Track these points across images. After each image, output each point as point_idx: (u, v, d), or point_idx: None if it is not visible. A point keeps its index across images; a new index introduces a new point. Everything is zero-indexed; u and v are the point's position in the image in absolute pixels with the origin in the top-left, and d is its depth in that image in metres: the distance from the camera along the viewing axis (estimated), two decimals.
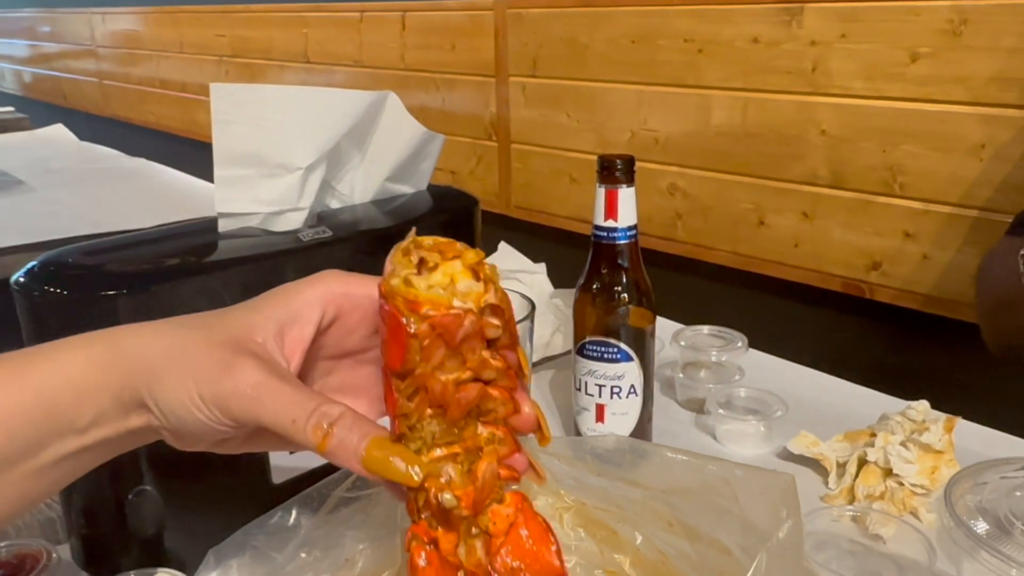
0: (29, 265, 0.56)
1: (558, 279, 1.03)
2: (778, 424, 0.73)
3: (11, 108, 3.22)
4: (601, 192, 0.65)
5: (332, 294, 0.40)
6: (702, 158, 1.49)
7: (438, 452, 0.38)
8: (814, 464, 0.70)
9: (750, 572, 0.35)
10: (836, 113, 1.30)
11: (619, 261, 0.67)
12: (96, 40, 3.61)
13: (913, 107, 1.22)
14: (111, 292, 0.54)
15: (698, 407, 0.81)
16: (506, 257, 0.96)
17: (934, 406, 0.73)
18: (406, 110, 0.69)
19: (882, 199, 1.28)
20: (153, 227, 0.65)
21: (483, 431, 0.38)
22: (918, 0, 1.19)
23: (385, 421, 0.40)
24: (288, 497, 0.48)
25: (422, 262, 0.36)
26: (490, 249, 0.99)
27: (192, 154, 2.84)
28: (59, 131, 2.57)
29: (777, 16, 1.34)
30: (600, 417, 0.69)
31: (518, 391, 0.39)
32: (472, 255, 0.36)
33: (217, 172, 0.60)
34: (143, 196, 1.82)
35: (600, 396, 0.69)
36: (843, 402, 0.79)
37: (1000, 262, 0.87)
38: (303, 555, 0.45)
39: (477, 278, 0.36)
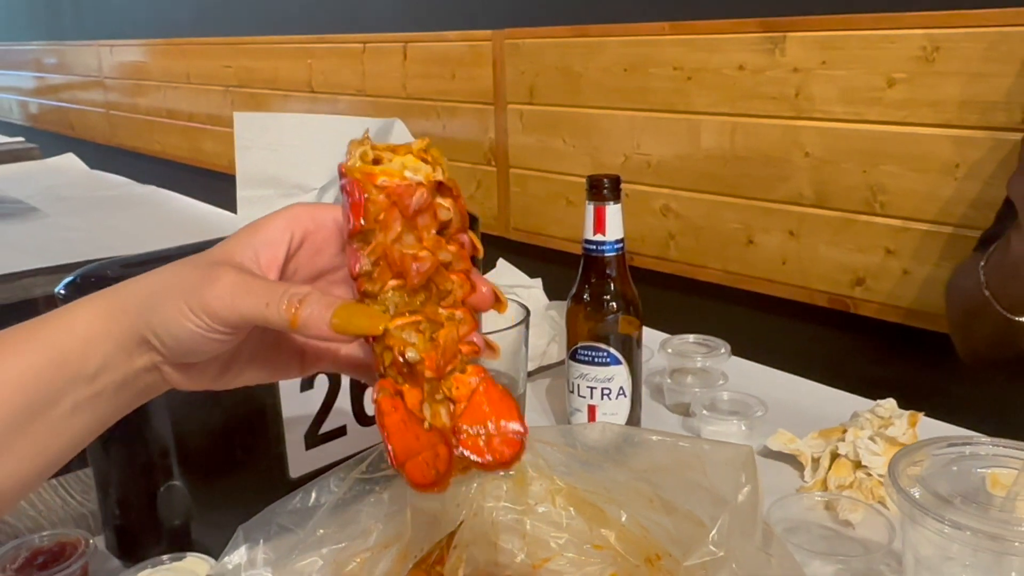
0: (71, 277, 0.62)
1: (555, 294, 1.08)
2: (758, 424, 0.79)
3: (21, 138, 3.29)
4: (590, 209, 0.71)
5: (298, 219, 0.45)
6: (693, 180, 1.55)
7: (400, 322, 0.41)
8: (791, 459, 0.75)
9: (713, 532, 0.41)
10: (819, 136, 1.36)
11: (608, 272, 0.72)
12: (104, 71, 3.70)
13: (891, 129, 1.28)
14: None
15: (685, 410, 0.86)
16: (504, 273, 1.02)
17: (907, 408, 0.79)
18: (411, 135, 0.75)
19: (864, 217, 1.34)
20: (179, 246, 0.71)
21: (444, 312, 0.42)
22: (893, 29, 1.25)
23: None
24: None
25: (376, 160, 0.41)
26: (489, 266, 1.05)
27: (199, 181, 2.91)
28: (69, 160, 2.65)
29: (761, 45, 1.40)
30: (592, 417, 0.75)
31: (473, 272, 0.43)
32: (420, 143, 0.41)
33: (240, 192, 0.66)
34: (154, 222, 1.88)
35: (591, 398, 0.74)
36: (818, 403, 0.85)
37: (966, 275, 0.92)
38: (321, 531, 0.50)
39: (426, 163, 0.41)
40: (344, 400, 0.70)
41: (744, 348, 1.03)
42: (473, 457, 0.42)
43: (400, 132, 0.74)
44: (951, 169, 1.23)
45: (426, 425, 0.42)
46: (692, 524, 0.47)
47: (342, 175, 0.41)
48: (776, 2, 1.39)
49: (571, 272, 0.83)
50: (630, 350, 0.74)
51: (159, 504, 0.64)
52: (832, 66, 1.33)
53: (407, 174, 0.40)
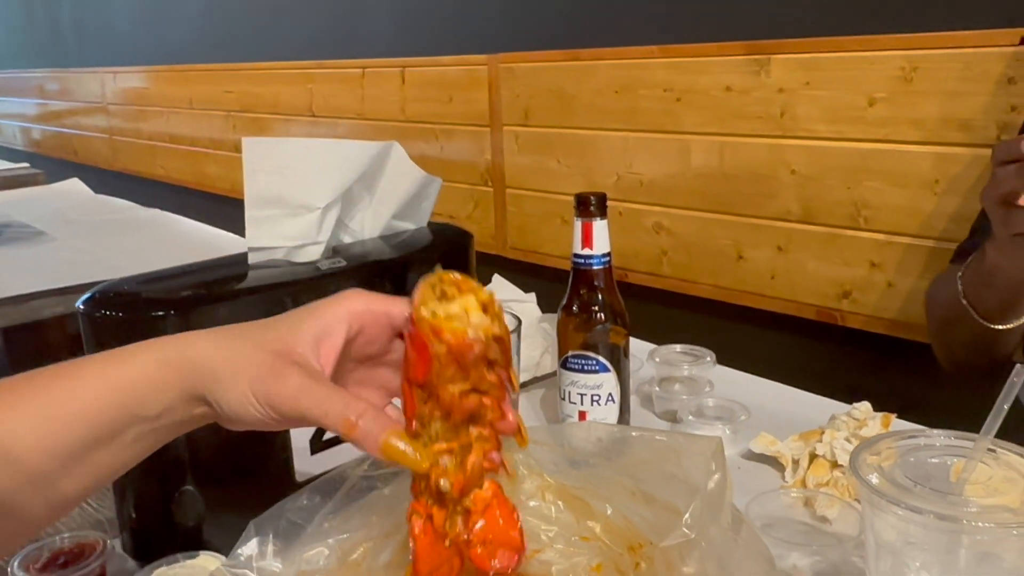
0: (90, 293, 0.66)
1: (550, 308, 1.12)
2: (742, 428, 0.83)
3: (26, 164, 3.35)
4: (578, 224, 0.76)
5: (356, 312, 0.50)
6: (683, 198, 1.60)
7: (439, 446, 0.48)
8: (773, 461, 0.79)
9: (686, 516, 0.44)
10: (804, 154, 1.41)
11: (596, 284, 0.76)
12: (107, 98, 3.76)
13: (873, 147, 1.33)
14: (160, 313, 0.63)
15: (673, 417, 0.90)
16: (500, 288, 1.06)
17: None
18: (408, 157, 0.79)
19: (849, 232, 1.38)
20: (189, 264, 0.75)
21: (474, 431, 0.48)
22: (873, 51, 1.30)
23: (395, 403, 0.49)
24: None
25: (443, 294, 0.46)
26: (484, 281, 1.09)
27: (202, 205, 2.96)
28: (74, 185, 2.69)
29: (747, 66, 1.45)
30: None
31: (505, 401, 0.49)
32: (485, 295, 0.46)
33: (248, 212, 0.70)
34: (160, 244, 1.93)
35: (582, 404, 0.78)
36: (800, 408, 0.88)
37: (944, 285, 0.96)
38: (327, 524, 0.53)
39: (486, 312, 0.46)
40: None
41: (736, 360, 1.06)
42: (481, 570, 0.49)
43: (398, 155, 0.78)
44: (931, 184, 1.27)
45: (447, 543, 0.49)
46: (670, 513, 0.51)
47: (412, 323, 0.46)
48: (761, 25, 1.44)
49: (565, 287, 0.87)
50: (617, 358, 0.77)
51: (173, 508, 0.68)
52: (815, 86, 1.38)
53: (469, 333, 0.45)
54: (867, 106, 1.32)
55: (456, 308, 0.45)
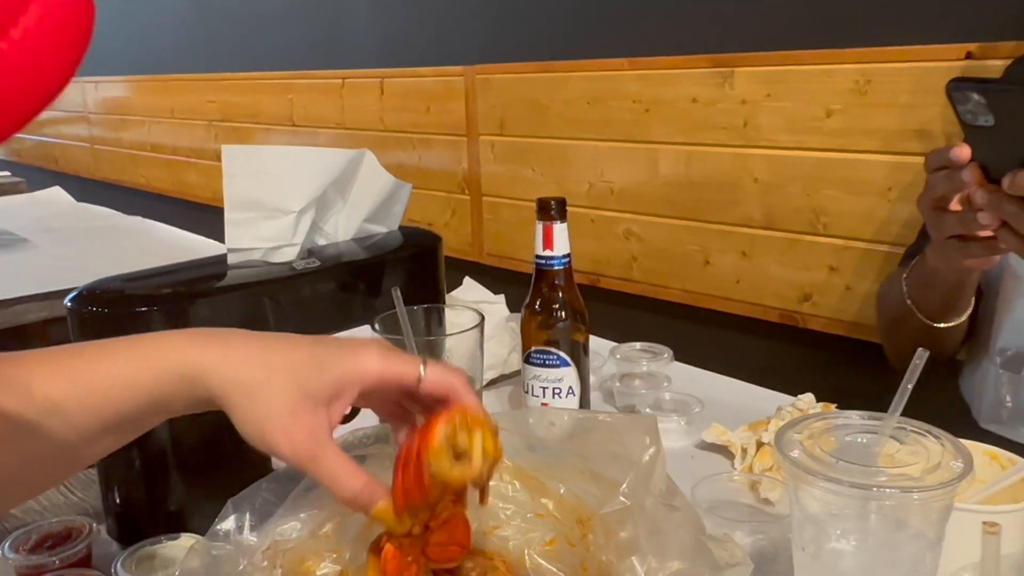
0: (77, 291, 0.70)
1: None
2: (696, 420, 0.88)
3: (7, 172, 3.36)
4: (539, 227, 0.80)
5: (371, 378, 0.53)
6: (653, 205, 1.65)
7: (421, 516, 0.53)
8: (724, 450, 0.84)
9: (623, 486, 0.49)
10: (766, 163, 1.47)
11: (556, 283, 0.81)
12: (88, 107, 3.78)
13: (830, 156, 1.39)
14: (144, 309, 0.68)
15: (632, 410, 0.95)
16: (470, 290, 1.10)
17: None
18: (379, 164, 0.84)
19: (808, 238, 1.44)
20: (174, 263, 0.79)
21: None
22: (830, 64, 1.36)
23: None
24: None
25: (455, 452, 0.51)
26: (456, 283, 1.14)
27: (183, 213, 2.99)
28: (56, 193, 2.71)
29: (712, 79, 1.51)
30: None
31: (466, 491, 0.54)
32: (493, 427, 0.52)
33: (227, 215, 0.75)
34: (141, 250, 1.96)
35: (544, 397, 0.83)
36: (751, 401, 0.93)
37: (892, 286, 1.02)
38: (300, 500, 0.58)
39: (488, 453, 0.52)
40: None
41: (704, 362, 1.11)
42: (433, 564, 0.55)
43: (369, 162, 0.83)
44: (885, 192, 1.33)
45: (409, 559, 0.54)
46: (613, 487, 0.56)
47: (423, 459, 0.51)
48: (725, 39, 1.50)
49: None
50: (578, 353, 0.82)
51: (157, 495, 0.72)
52: (776, 98, 1.43)
53: (471, 476, 0.51)
54: (825, 117, 1.38)
55: (464, 466, 0.51)
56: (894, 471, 0.50)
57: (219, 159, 0.77)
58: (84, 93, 3.77)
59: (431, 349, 0.73)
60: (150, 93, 3.30)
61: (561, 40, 1.79)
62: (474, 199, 2.03)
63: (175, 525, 0.72)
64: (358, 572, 0.59)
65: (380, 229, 0.87)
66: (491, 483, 0.62)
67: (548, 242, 0.80)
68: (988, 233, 0.72)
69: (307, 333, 0.55)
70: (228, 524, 0.57)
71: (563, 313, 0.81)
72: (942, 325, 0.92)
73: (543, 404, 0.83)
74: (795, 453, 0.52)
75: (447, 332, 0.75)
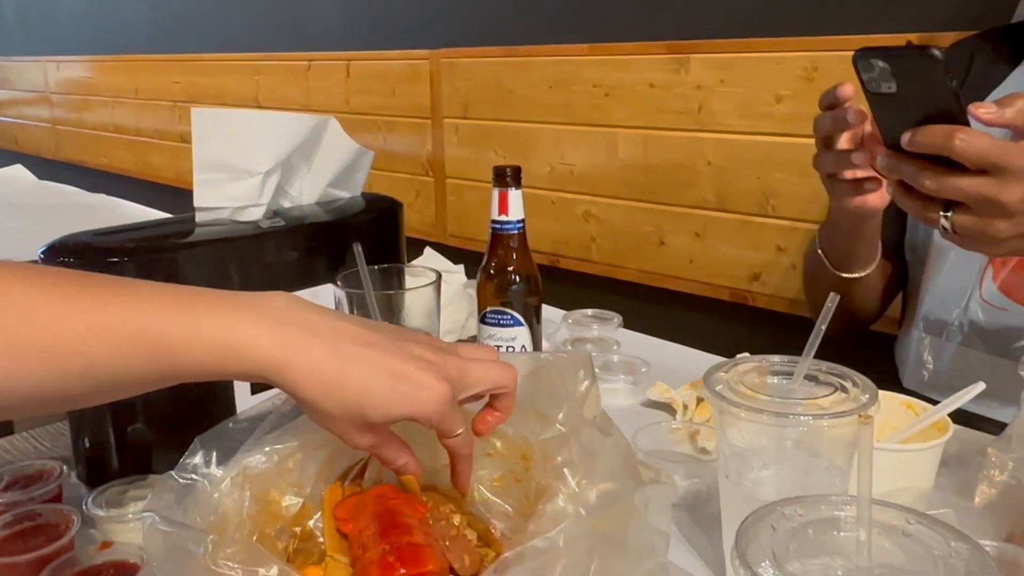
0: (48, 244, 0.73)
1: None
2: (642, 379, 0.93)
3: None
4: (496, 194, 0.85)
5: (420, 421, 0.53)
6: (611, 187, 1.70)
7: None
8: (667, 407, 0.89)
9: (560, 414, 0.54)
10: (719, 147, 1.52)
11: (511, 245, 0.86)
12: (50, 87, 3.75)
13: (780, 140, 1.45)
14: (115, 260, 0.71)
15: None
16: (430, 260, 1.14)
17: None
18: (343, 131, 0.87)
19: (758, 219, 1.50)
20: (143, 221, 0.82)
21: None
22: (780, 52, 1.42)
23: None
24: None
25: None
26: (416, 254, 1.18)
27: (146, 195, 2.98)
28: (18, 171, 2.71)
29: (668, 65, 1.56)
30: None
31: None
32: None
33: (196, 176, 0.78)
34: (107, 225, 1.97)
35: None
36: (694, 364, 0.98)
37: (811, 244, 1.06)
38: (264, 436, 0.62)
39: None
40: None
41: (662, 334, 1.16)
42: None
43: (334, 128, 0.86)
44: None
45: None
46: (553, 420, 0.60)
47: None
48: (681, 27, 1.56)
49: None
50: (530, 314, 0.87)
51: (126, 443, 0.75)
52: (729, 84, 1.49)
53: None
54: (775, 103, 1.44)
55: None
56: (807, 402, 0.55)
57: (183, 140, 0.80)
58: (46, 73, 3.74)
59: (390, 305, 0.77)
60: (114, 73, 3.29)
61: (524, 25, 1.83)
62: (438, 181, 2.06)
63: (144, 469, 0.75)
64: (317, 507, 0.63)
65: (343, 194, 0.91)
66: None
67: (504, 207, 0.84)
68: (855, 175, 0.80)
69: (272, 289, 0.57)
70: (196, 459, 0.60)
71: (517, 276, 0.86)
72: (847, 276, 0.95)
73: None
74: (720, 388, 0.57)
75: (408, 287, 0.79)
